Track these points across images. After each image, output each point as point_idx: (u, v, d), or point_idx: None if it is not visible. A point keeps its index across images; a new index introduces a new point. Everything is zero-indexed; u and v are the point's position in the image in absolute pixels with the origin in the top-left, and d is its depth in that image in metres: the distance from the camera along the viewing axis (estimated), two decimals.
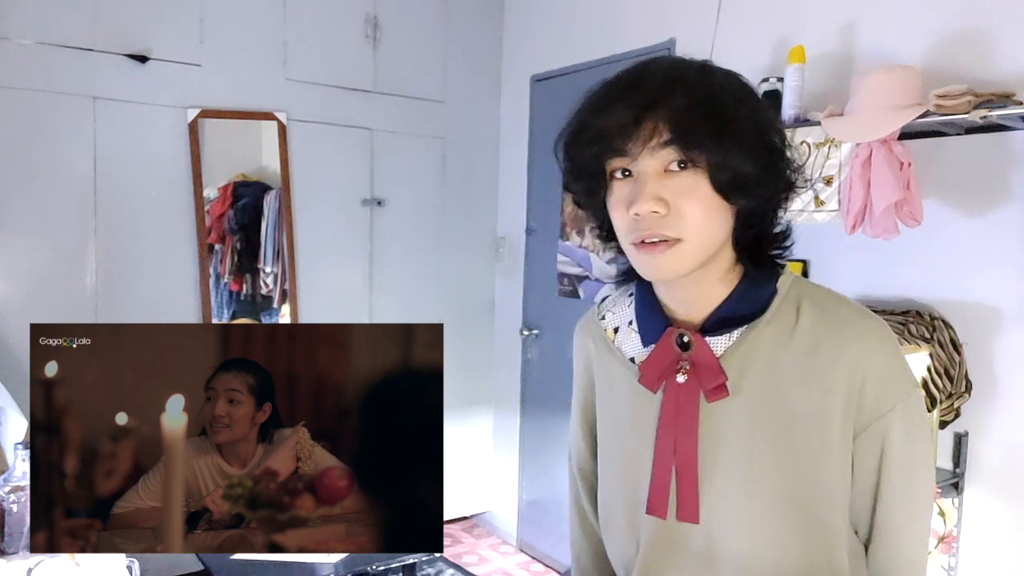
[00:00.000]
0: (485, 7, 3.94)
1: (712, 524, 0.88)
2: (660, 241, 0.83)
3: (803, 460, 0.86)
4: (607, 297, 1.04)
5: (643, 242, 0.84)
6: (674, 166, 0.82)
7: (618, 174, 0.86)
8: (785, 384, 0.86)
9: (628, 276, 0.96)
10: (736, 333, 0.89)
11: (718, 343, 0.89)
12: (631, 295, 0.99)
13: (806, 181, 0.91)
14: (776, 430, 0.86)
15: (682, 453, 0.88)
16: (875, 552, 0.91)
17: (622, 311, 1.01)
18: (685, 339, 0.90)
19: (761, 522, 0.86)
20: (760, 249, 0.90)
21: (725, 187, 0.82)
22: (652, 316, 0.94)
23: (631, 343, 0.97)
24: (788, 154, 0.88)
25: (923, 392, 0.99)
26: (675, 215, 0.82)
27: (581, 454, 1.11)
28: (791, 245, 0.93)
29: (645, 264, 0.86)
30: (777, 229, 0.92)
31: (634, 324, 0.97)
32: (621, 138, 0.82)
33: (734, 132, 0.81)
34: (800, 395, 0.85)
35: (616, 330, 1.00)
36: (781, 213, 0.92)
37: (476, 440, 4.09)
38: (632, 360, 0.96)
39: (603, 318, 1.02)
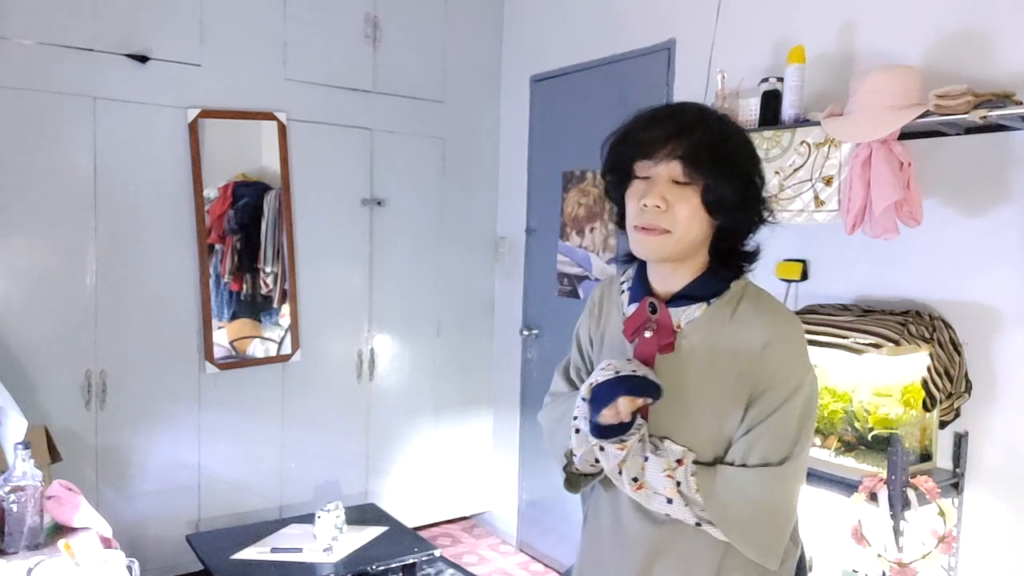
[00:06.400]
0: (485, 7, 3.94)
1: (659, 432, 1.23)
2: (654, 229, 1.17)
3: (718, 402, 1.20)
4: (626, 271, 1.40)
5: (643, 228, 1.18)
6: (679, 178, 1.16)
7: (639, 177, 1.19)
8: (718, 351, 1.21)
9: (631, 258, 1.30)
10: (693, 309, 1.23)
11: (677, 313, 1.24)
12: (634, 272, 1.35)
13: (772, 216, 1.28)
14: (707, 380, 1.21)
15: None
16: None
17: (627, 281, 1.36)
18: (654, 305, 1.25)
19: (689, 431, 1.22)
20: (728, 258, 1.24)
21: (710, 205, 1.16)
22: (639, 286, 1.30)
23: (625, 301, 1.34)
24: (764, 194, 1.22)
25: (816, 376, 1.22)
26: (670, 213, 1.16)
27: (575, 361, 1.45)
28: (756, 261, 1.27)
29: (641, 244, 1.20)
30: (748, 248, 1.26)
31: (626, 291, 1.34)
32: (650, 147, 1.17)
33: (727, 167, 1.16)
34: (727, 360, 1.20)
35: (622, 292, 1.36)
36: (751, 237, 1.25)
37: (476, 440, 4.09)
38: (624, 314, 1.31)
39: (622, 281, 1.37)
